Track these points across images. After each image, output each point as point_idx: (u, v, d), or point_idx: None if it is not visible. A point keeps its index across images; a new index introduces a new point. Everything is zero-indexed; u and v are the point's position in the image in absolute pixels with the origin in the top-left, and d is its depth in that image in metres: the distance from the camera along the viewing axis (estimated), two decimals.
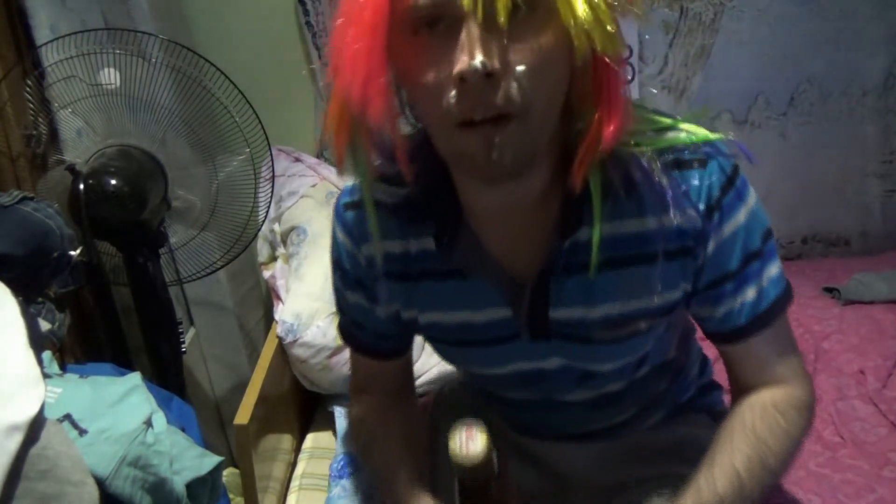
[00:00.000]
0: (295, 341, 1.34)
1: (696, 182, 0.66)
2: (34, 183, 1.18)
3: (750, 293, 0.71)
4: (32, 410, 0.67)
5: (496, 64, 0.54)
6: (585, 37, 0.54)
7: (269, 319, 1.54)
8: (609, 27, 0.54)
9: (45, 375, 0.78)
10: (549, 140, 0.62)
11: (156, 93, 1.16)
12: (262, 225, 1.36)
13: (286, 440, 1.41)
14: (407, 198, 0.72)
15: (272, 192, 1.31)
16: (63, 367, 0.95)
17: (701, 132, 0.67)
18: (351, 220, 0.78)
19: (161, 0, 1.46)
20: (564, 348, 0.74)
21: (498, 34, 0.54)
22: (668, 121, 0.68)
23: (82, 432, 0.74)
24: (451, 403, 1.03)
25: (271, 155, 1.28)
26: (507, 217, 0.70)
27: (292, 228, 1.53)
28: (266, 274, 1.58)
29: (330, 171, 1.65)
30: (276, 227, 1.58)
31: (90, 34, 1.14)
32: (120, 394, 0.82)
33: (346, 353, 1.35)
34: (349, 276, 0.81)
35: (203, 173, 1.24)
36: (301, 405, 1.48)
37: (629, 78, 0.61)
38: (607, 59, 0.57)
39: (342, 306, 0.86)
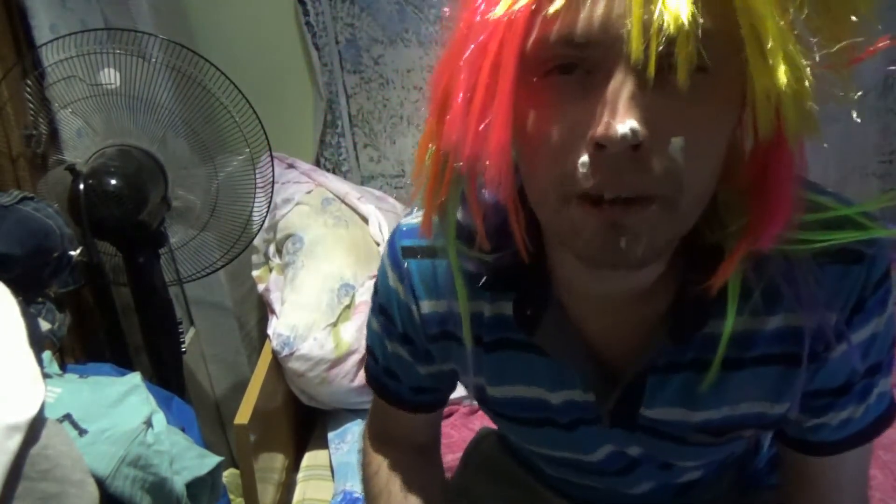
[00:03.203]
0: (291, 354, 1.32)
1: (847, 279, 0.55)
2: (34, 183, 1.18)
3: (857, 409, 0.60)
4: (32, 410, 0.67)
5: (648, 133, 0.41)
6: (774, 112, 0.41)
7: (267, 322, 1.54)
8: (809, 105, 0.42)
9: (45, 375, 0.78)
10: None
11: (156, 93, 1.16)
12: (263, 224, 1.35)
13: (286, 441, 1.40)
14: (489, 266, 0.60)
15: (272, 195, 1.31)
16: (63, 367, 0.95)
17: (870, 229, 0.53)
18: (413, 269, 0.66)
19: (161, 0, 1.46)
20: (649, 442, 0.65)
21: (659, 94, 0.41)
22: (836, 207, 0.54)
23: (82, 432, 0.74)
24: (487, 463, 0.92)
25: (272, 157, 1.27)
26: (610, 305, 0.59)
27: (287, 237, 1.50)
28: (260, 287, 1.55)
29: (325, 177, 1.64)
30: (271, 236, 1.56)
31: (90, 34, 1.14)
32: (120, 394, 0.82)
33: (345, 365, 1.35)
34: (395, 327, 0.70)
35: (203, 173, 1.24)
36: (298, 419, 1.48)
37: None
38: (787, 143, 0.44)
39: (376, 353, 0.75)
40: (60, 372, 0.89)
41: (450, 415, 1.34)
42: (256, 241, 1.53)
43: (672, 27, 0.39)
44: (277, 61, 1.71)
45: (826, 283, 0.55)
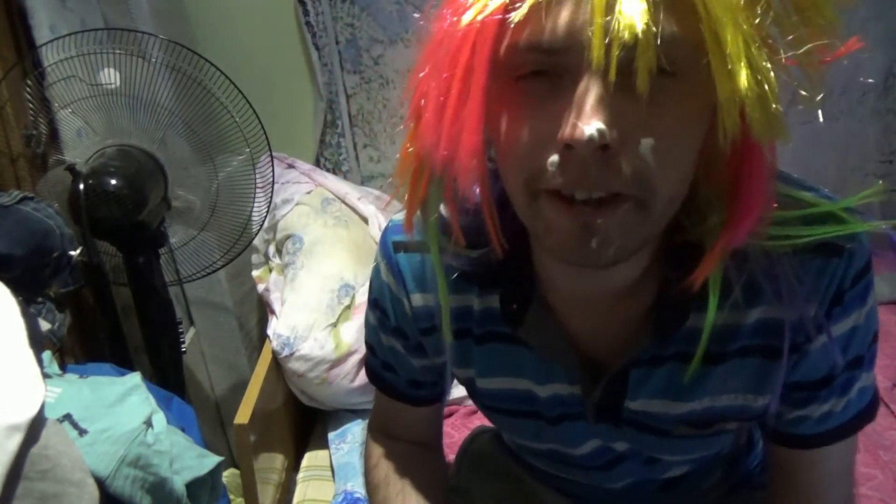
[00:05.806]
0: (291, 355, 1.32)
1: (826, 272, 0.56)
2: (34, 183, 1.18)
3: (838, 402, 0.61)
4: (32, 410, 0.67)
5: (615, 135, 0.42)
6: (739, 115, 0.42)
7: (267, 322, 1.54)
8: (774, 108, 0.43)
9: (45, 375, 0.78)
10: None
11: (156, 93, 1.16)
12: (263, 224, 1.35)
13: (286, 441, 1.40)
14: (473, 262, 0.61)
15: (271, 195, 1.31)
16: (63, 367, 0.95)
17: (849, 223, 0.55)
18: (402, 263, 0.68)
19: (161, 0, 1.46)
20: (634, 436, 0.66)
21: (625, 97, 0.42)
22: (816, 203, 0.55)
23: (82, 432, 0.74)
24: (480, 461, 0.93)
25: (272, 157, 1.27)
26: (591, 302, 0.60)
27: (287, 237, 1.50)
28: (260, 287, 1.55)
29: (325, 178, 1.63)
30: (271, 236, 1.56)
31: (90, 34, 1.13)
32: (120, 394, 0.82)
33: (345, 366, 1.34)
34: (388, 321, 0.72)
35: (203, 173, 1.24)
36: (298, 419, 1.47)
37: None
38: (758, 145, 0.46)
39: (374, 346, 0.77)
40: (60, 372, 0.89)
41: (450, 415, 1.34)
42: (256, 241, 1.53)
43: (627, 35, 0.40)
44: (277, 61, 1.71)
45: (806, 276, 0.55)
